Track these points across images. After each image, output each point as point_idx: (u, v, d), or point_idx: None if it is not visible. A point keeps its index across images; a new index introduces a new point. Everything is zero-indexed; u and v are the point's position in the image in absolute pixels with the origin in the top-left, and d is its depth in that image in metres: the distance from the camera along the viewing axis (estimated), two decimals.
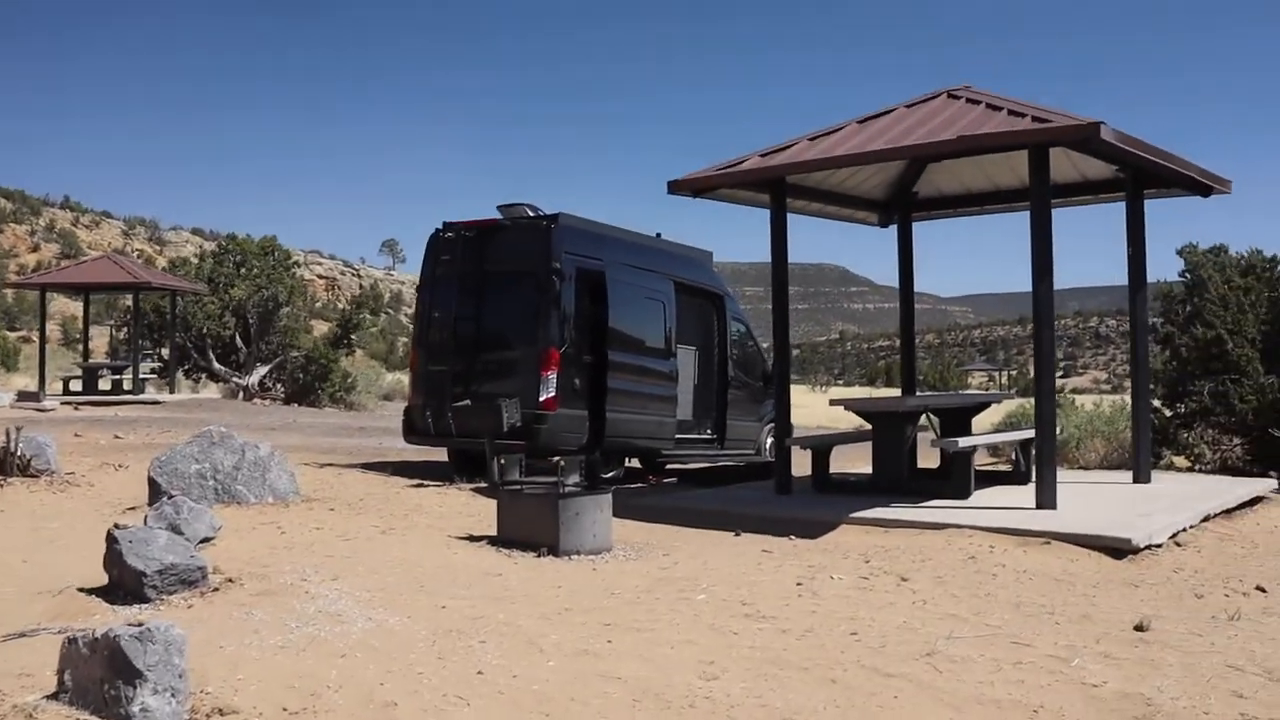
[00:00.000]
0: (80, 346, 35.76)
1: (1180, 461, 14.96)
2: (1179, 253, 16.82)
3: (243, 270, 31.12)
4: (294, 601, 6.10)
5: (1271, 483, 11.86)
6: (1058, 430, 15.88)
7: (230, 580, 6.49)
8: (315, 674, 4.78)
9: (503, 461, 8.61)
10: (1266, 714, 4.78)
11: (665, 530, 9.20)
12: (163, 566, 6.06)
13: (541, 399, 11.55)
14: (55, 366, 33.93)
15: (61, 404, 24.54)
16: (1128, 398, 14.30)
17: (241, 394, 30.58)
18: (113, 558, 6.12)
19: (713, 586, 6.74)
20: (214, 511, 8.95)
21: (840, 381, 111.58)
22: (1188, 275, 16.18)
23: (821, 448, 10.98)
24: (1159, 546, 8.29)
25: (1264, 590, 7.25)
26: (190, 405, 26.29)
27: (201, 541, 7.58)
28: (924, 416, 11.22)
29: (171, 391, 28.84)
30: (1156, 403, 15.63)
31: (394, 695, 4.56)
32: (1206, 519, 9.45)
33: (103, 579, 6.16)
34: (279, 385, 31.94)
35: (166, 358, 30.20)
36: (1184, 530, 8.87)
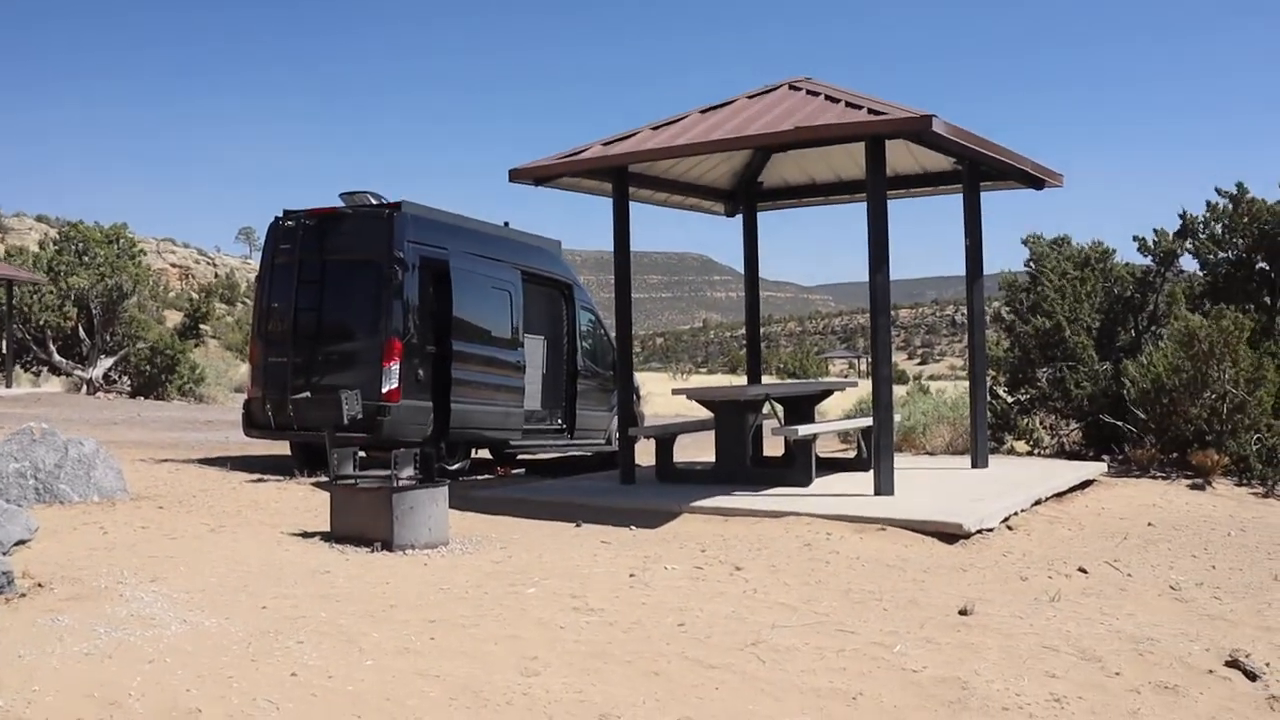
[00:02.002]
0: None
1: (1021, 446, 15.35)
2: (1024, 242, 17.24)
3: (85, 259, 30.00)
4: (106, 606, 5.85)
5: (1102, 466, 12.24)
6: (905, 417, 16.21)
7: (40, 585, 6.20)
8: (118, 681, 4.57)
9: (336, 455, 8.39)
10: (1076, 692, 4.90)
11: (507, 522, 9.11)
12: None
13: (384, 390, 11.33)
14: None
15: None
16: None
17: (85, 388, 29.50)
18: None
19: (544, 579, 6.66)
20: (33, 512, 8.60)
21: (704, 369, 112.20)
22: (1032, 265, 16.60)
23: (665, 437, 10.98)
24: (990, 530, 8.47)
25: (1085, 571, 7.45)
26: (28, 400, 25.27)
27: (16, 544, 7.26)
28: (768, 404, 11.29)
29: (8, 386, 27.71)
30: (998, 388, 16.04)
31: (200, 701, 4.39)
32: (1038, 502, 9.70)
33: None
34: (125, 378, 30.90)
35: (4, 351, 28.97)
36: (1016, 514, 9.09)
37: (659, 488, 10.40)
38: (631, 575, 6.81)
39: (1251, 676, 5.29)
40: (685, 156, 10.30)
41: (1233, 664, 5.40)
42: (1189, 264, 15.99)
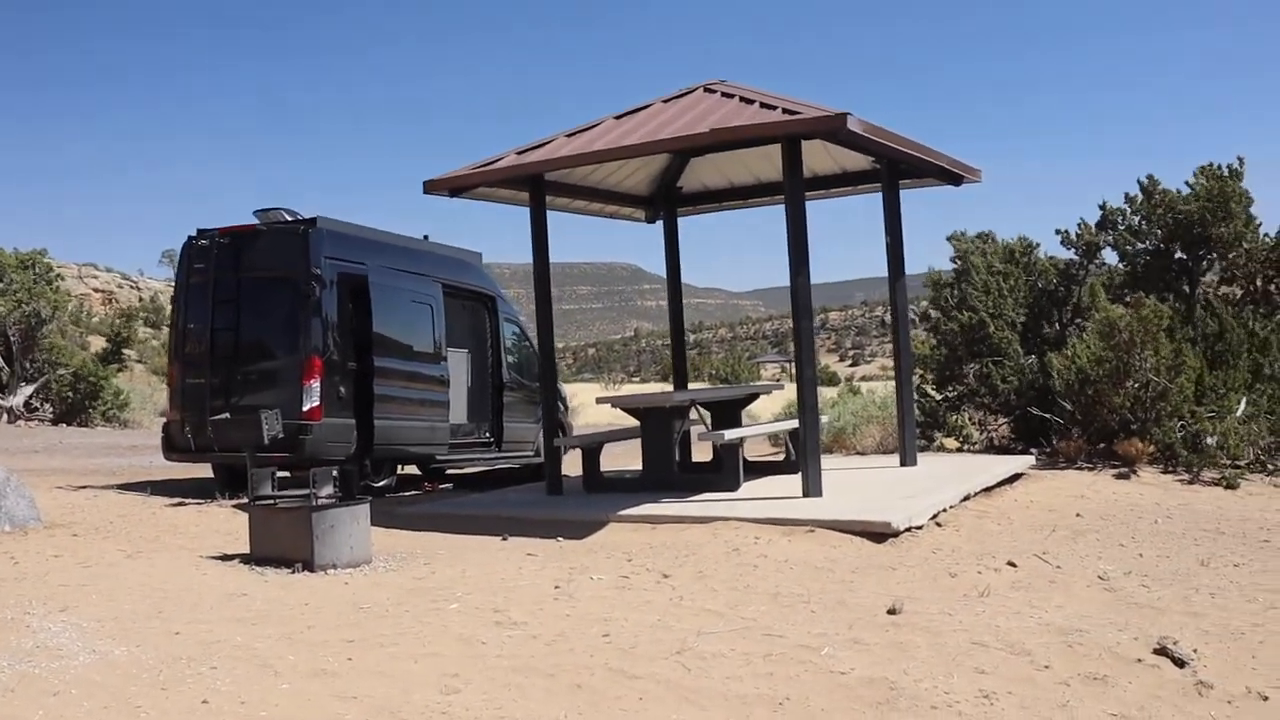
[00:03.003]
0: None
1: (950, 443, 15.43)
2: (948, 239, 17.36)
3: (1, 285, 29.27)
4: (11, 637, 5.63)
5: (1029, 459, 12.30)
6: (835, 418, 16.23)
7: None
8: (19, 716, 4.40)
9: (254, 475, 8.19)
10: (1005, 687, 4.85)
11: (432, 538, 8.94)
12: None
13: (305, 409, 11.11)
14: None
15: None
16: None
17: (6, 416, 28.81)
18: None
19: (467, 595, 6.52)
20: None
21: (636, 378, 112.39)
22: (957, 262, 16.71)
23: (591, 446, 10.86)
24: (920, 528, 8.44)
25: (1015, 565, 7.44)
26: None
27: None
28: (694, 410, 11.21)
29: None
30: (927, 387, 16.12)
31: None
32: (967, 498, 9.70)
33: None
34: (47, 405, 30.22)
35: None
36: (945, 510, 9.08)
37: (586, 498, 10.28)
38: (556, 587, 6.69)
39: (1179, 663, 5.28)
40: (600, 163, 10.20)
41: (1161, 651, 5.40)
42: (1111, 257, 16.19)
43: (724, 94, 9.93)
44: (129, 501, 11.33)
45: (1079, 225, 15.70)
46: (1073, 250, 15.84)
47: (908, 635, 5.57)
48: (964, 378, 15.53)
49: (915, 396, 16.00)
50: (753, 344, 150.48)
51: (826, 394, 24.43)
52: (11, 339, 29.17)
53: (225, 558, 7.98)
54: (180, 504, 10.99)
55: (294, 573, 7.40)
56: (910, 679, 4.88)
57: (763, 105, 9.23)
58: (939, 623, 5.81)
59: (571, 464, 11.71)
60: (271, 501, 8.11)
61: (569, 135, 10.06)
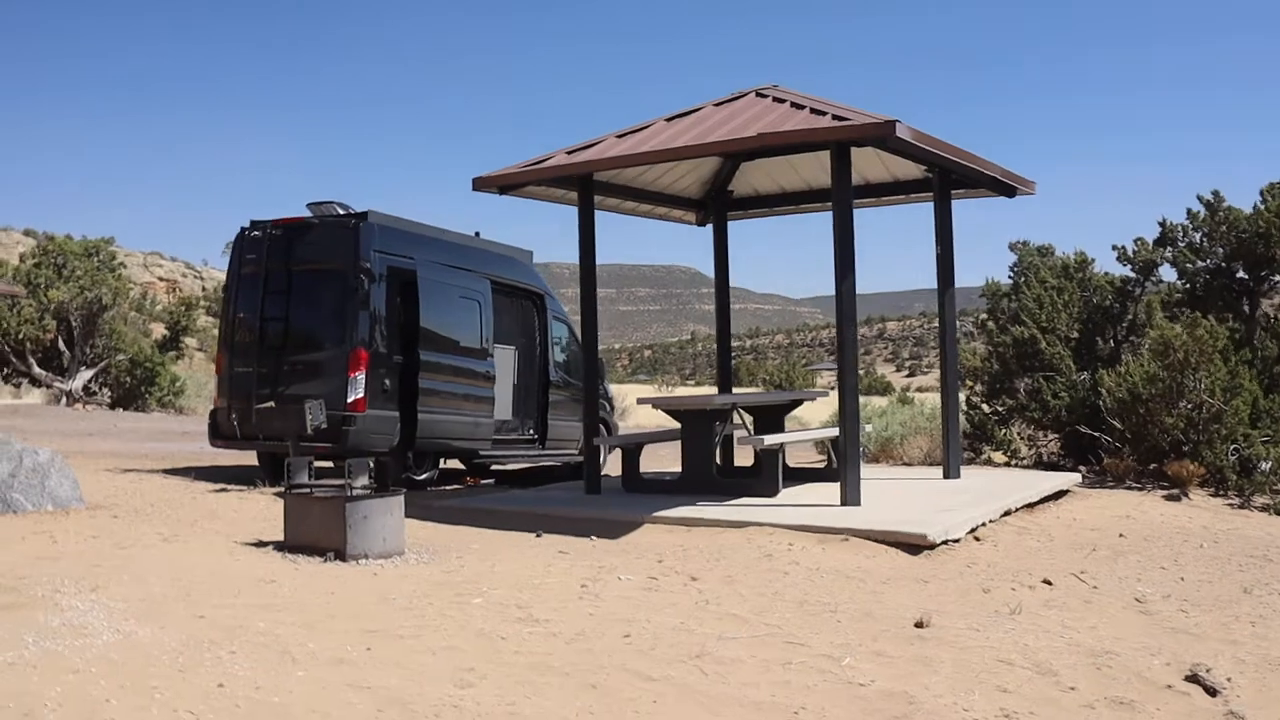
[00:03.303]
0: None
1: (998, 457, 15.24)
2: (1011, 247, 17.18)
3: (64, 272, 29.79)
4: (40, 615, 5.69)
5: (1076, 476, 12.11)
6: (883, 427, 16.09)
7: None
8: (37, 692, 4.42)
9: (291, 464, 8.24)
10: (1027, 708, 4.76)
11: (467, 532, 8.95)
12: None
13: (349, 400, 11.20)
14: None
15: None
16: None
17: (65, 400, 29.29)
18: None
19: (493, 590, 6.51)
20: None
21: (691, 381, 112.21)
22: (1015, 271, 16.54)
23: (631, 447, 10.84)
24: (956, 541, 8.33)
25: (1050, 583, 7.31)
26: (6, 412, 25.05)
27: None
28: (736, 415, 11.15)
29: None
30: (977, 399, 15.93)
31: (118, 713, 4.25)
32: (1008, 513, 9.56)
33: None
34: (105, 390, 30.69)
35: None
36: (984, 525, 8.95)
37: (624, 498, 10.25)
38: (583, 586, 6.67)
39: (1211, 692, 5.16)
40: (648, 164, 10.18)
41: (1193, 679, 5.28)
42: (1169, 274, 15.92)
43: (775, 99, 9.87)
44: (172, 486, 11.47)
45: (1135, 242, 15.46)
46: (1129, 267, 15.59)
47: (933, 649, 5.48)
48: (1015, 392, 15.32)
49: (965, 409, 15.90)
50: (809, 351, 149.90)
51: (877, 403, 24.29)
52: (73, 324, 29.66)
53: (260, 544, 8.02)
54: (223, 490, 11.10)
55: (326, 561, 7.43)
56: (930, 694, 4.80)
57: (812, 111, 9.16)
58: (966, 638, 5.72)
59: (615, 464, 11.67)
60: (308, 490, 8.15)
61: (619, 136, 10.04)
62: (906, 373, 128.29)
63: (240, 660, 4.98)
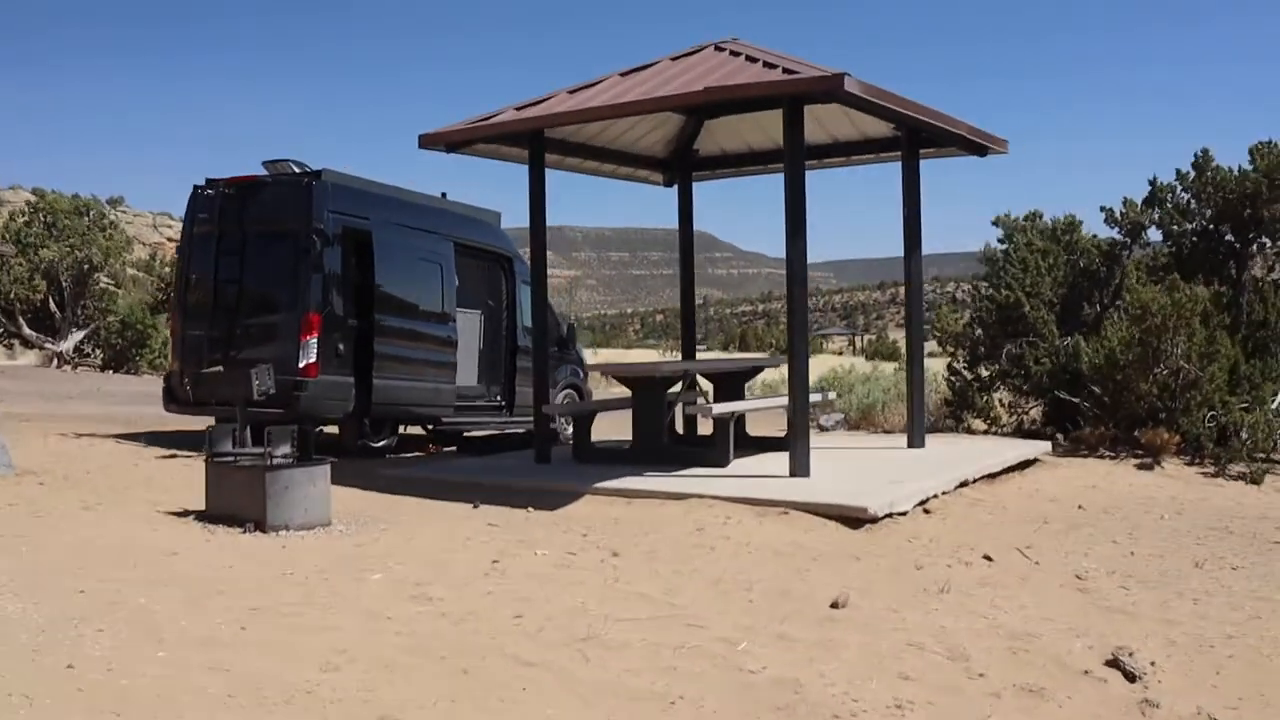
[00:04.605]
0: None
1: (979, 425, 14.91)
2: (993, 222, 16.75)
3: (54, 231, 29.51)
4: None
5: (1046, 445, 11.79)
6: (864, 394, 15.80)
7: None
8: None
9: (211, 431, 7.99)
10: (925, 697, 4.50)
11: (404, 503, 8.70)
12: None
13: (301, 365, 10.92)
14: None
15: None
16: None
17: (56, 361, 29.13)
18: None
19: (399, 565, 6.26)
20: None
21: (703, 346, 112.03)
22: (1004, 243, 16.14)
23: (582, 415, 10.54)
24: (903, 515, 8.03)
25: (990, 559, 7.03)
26: None
27: None
28: (693, 381, 10.85)
29: None
30: (960, 365, 15.58)
31: None
32: (964, 484, 9.25)
33: None
34: (98, 351, 30.52)
35: None
36: (935, 496, 8.64)
37: (572, 468, 9.97)
38: (494, 562, 6.40)
39: (1131, 677, 4.88)
40: (598, 120, 9.81)
41: (1113, 663, 4.99)
42: (1158, 237, 15.48)
43: (732, 52, 9.51)
44: (120, 451, 11.23)
45: (1124, 203, 15.01)
46: (1117, 229, 15.16)
47: (841, 633, 5.21)
48: (997, 358, 14.97)
49: (947, 375, 15.56)
50: (821, 316, 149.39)
51: (885, 369, 23.93)
52: (63, 284, 29.44)
53: (182, 514, 7.79)
54: (171, 456, 10.87)
55: (244, 532, 7.20)
56: (822, 683, 4.53)
57: (765, 65, 8.81)
58: (881, 620, 5.44)
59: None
60: (231, 459, 7.90)
61: (571, 92, 9.70)
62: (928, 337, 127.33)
63: (103, 640, 4.74)
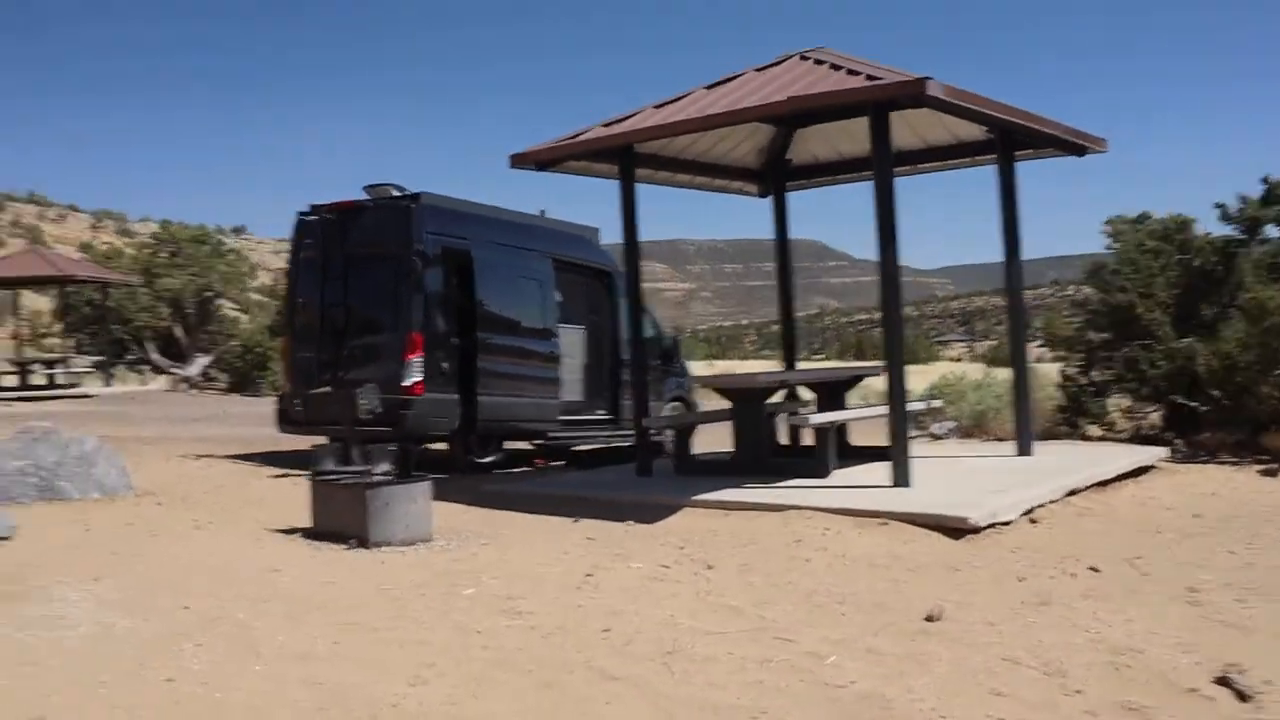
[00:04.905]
0: (49, 342, 34.87)
1: (1095, 431, 14.55)
2: (1102, 228, 16.40)
3: (178, 260, 30.50)
4: (28, 606, 5.70)
5: (1162, 451, 11.44)
6: (976, 401, 15.53)
7: None
8: None
9: (316, 450, 8.17)
10: (1019, 714, 4.37)
11: (506, 517, 8.78)
12: None
13: (406, 384, 11.11)
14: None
15: None
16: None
17: (183, 385, 30.05)
18: None
19: (492, 579, 6.32)
20: (32, 509, 8.62)
21: (819, 355, 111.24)
22: (1112, 246, 15.78)
23: (682, 428, 10.53)
24: (1007, 524, 7.85)
25: (1097, 570, 6.81)
26: (122, 399, 25.71)
27: None
28: (790, 391, 10.76)
29: (107, 385, 28.26)
30: (1073, 370, 15.23)
31: (54, 708, 4.22)
32: (1074, 492, 9.01)
33: None
34: (224, 375, 31.41)
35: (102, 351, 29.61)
36: (1042, 505, 8.44)
37: (673, 481, 9.96)
38: (588, 576, 6.42)
39: (1243, 697, 4.59)
40: (685, 134, 9.81)
41: (1223, 681, 4.71)
42: (1276, 233, 14.94)
43: (816, 61, 9.44)
44: (236, 472, 11.55)
45: (1240, 199, 14.53)
46: (1233, 226, 14.67)
47: (934, 646, 5.09)
48: (1111, 362, 14.59)
49: (1059, 380, 15.21)
50: (939, 323, 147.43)
51: (1000, 376, 23.36)
52: (188, 311, 30.38)
53: (289, 532, 7.97)
54: (283, 476, 11.13)
55: (347, 549, 7.34)
56: (910, 698, 4.43)
57: (849, 72, 8.73)
58: (976, 633, 5.32)
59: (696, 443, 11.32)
60: (335, 477, 8.06)
61: (657, 106, 9.73)
62: (1039, 342, 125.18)
63: (202, 654, 4.88)
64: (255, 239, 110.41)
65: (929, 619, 5.53)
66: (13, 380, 26.98)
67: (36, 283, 29.73)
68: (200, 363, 30.76)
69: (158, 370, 31.29)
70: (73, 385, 26.73)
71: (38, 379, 27.40)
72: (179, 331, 30.88)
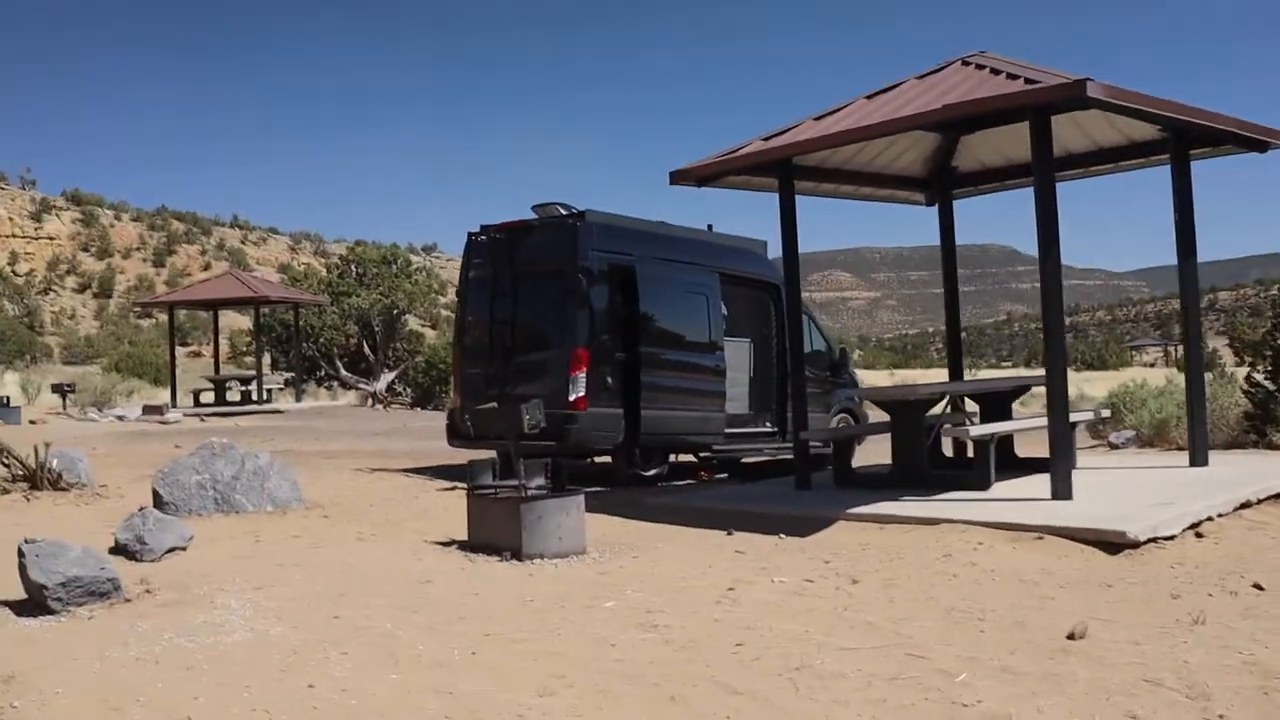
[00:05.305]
0: (249, 359, 36.62)
1: None
2: None
3: (364, 280, 31.67)
4: (191, 613, 6.03)
5: None
6: (1156, 410, 14.97)
7: (148, 591, 6.47)
8: (138, 688, 4.69)
9: (473, 466, 8.41)
10: None
11: (661, 530, 8.88)
12: (66, 579, 6.06)
13: (571, 399, 11.34)
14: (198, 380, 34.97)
15: (187, 416, 25.32)
16: None
17: (371, 400, 31.16)
18: (21, 571, 6.12)
19: (635, 593, 6.41)
20: (210, 521, 9.09)
21: (1008, 363, 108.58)
22: None
23: (842, 440, 10.46)
24: (1170, 539, 7.56)
25: (1261, 588, 6.51)
26: (311, 414, 26.86)
27: (169, 551, 7.68)
28: (955, 402, 10.56)
29: (297, 400, 29.52)
30: (1260, 376, 14.54)
31: (199, 708, 4.45)
32: (1246, 505, 8.62)
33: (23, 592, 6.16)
34: (409, 390, 32.46)
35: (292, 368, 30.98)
36: (1211, 519, 8.09)
37: (831, 494, 9.89)
38: (729, 589, 6.45)
39: None
40: (843, 144, 9.74)
41: None
42: None
43: (977, 66, 9.29)
44: (405, 485, 11.94)
45: None
46: None
47: (1073, 666, 4.95)
48: None
49: (1245, 386, 14.52)
50: (1133, 327, 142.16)
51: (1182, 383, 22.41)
52: (376, 329, 31.49)
53: (447, 544, 8.22)
54: (451, 489, 11.45)
55: (501, 561, 7.54)
56: (1038, 719, 4.34)
57: (1007, 76, 8.57)
58: (1118, 653, 5.15)
59: (862, 455, 11.23)
60: (491, 491, 8.28)
61: (816, 119, 9.71)
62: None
63: (345, 662, 5.09)
64: (445, 256, 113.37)
65: (1071, 637, 5.38)
66: (209, 396, 28.46)
67: (234, 304, 31.27)
68: (386, 378, 31.83)
69: (346, 386, 32.52)
70: (265, 401, 28.03)
71: (233, 395, 28.85)
72: (366, 348, 32.03)
